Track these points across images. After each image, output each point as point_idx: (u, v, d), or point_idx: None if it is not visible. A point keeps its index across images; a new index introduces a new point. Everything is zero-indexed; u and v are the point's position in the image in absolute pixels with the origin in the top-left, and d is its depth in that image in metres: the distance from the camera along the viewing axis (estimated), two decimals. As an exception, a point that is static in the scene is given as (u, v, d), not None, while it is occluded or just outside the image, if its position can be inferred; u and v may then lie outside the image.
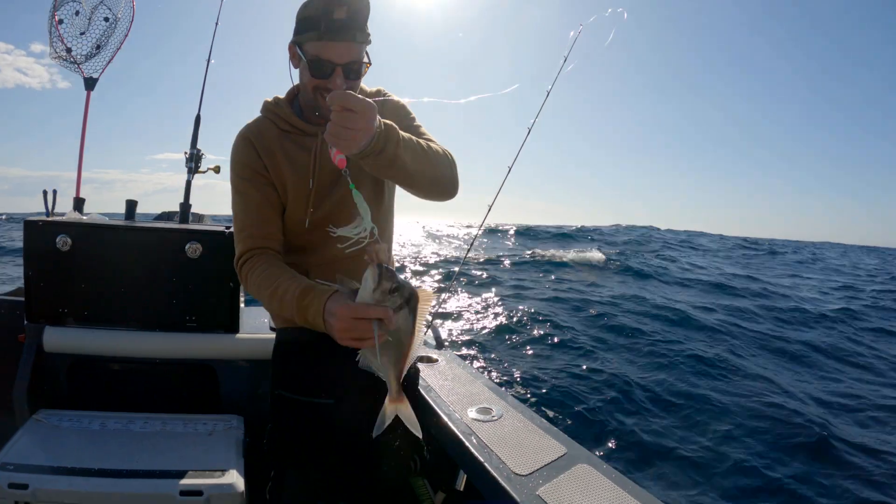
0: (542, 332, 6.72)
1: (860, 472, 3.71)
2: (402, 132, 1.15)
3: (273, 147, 1.35)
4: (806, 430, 4.24)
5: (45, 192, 2.02)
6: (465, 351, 5.99)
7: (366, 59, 1.27)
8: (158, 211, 2.73)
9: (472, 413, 1.56)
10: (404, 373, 0.98)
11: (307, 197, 1.35)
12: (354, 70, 1.26)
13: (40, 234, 1.80)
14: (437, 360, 2.01)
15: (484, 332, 6.83)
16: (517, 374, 5.14)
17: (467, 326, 7.05)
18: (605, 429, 4.20)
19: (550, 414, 4.32)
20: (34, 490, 1.32)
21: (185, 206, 2.37)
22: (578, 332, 6.81)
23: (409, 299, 0.95)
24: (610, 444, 4.00)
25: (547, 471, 1.26)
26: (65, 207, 2.14)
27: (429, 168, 1.23)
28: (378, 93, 1.42)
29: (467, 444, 1.39)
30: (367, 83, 1.41)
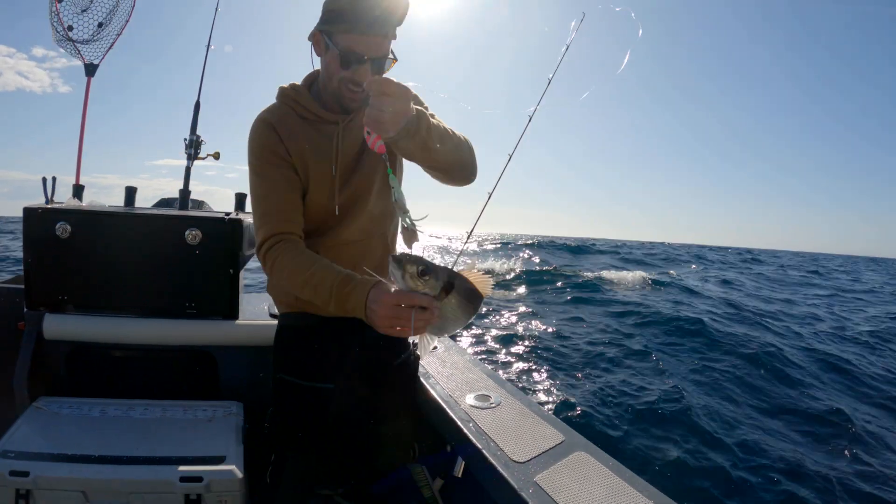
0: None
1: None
2: (430, 117, 1.18)
3: (295, 133, 1.35)
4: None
5: (44, 179, 2.00)
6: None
7: (392, 55, 1.29)
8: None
9: (470, 400, 1.57)
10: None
11: (329, 183, 1.37)
12: (382, 64, 1.28)
13: (40, 222, 1.80)
14: (435, 347, 2.01)
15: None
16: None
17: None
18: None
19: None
20: (35, 477, 1.33)
21: (185, 192, 2.36)
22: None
23: (453, 283, 0.95)
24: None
25: (544, 458, 1.26)
26: (64, 197, 2.13)
27: (454, 152, 1.27)
28: None
29: (465, 430, 1.39)
30: None
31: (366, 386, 1.50)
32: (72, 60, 2.52)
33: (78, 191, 2.27)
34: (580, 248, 29.48)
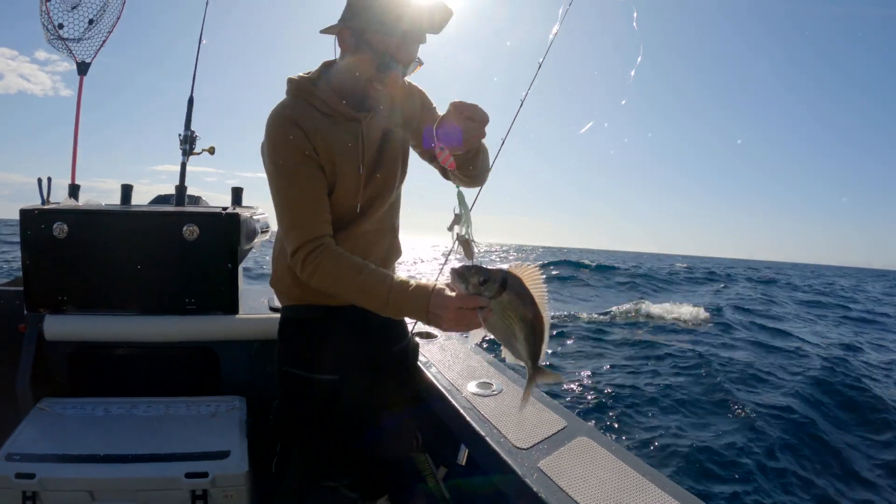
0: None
1: None
2: None
3: (319, 130, 1.31)
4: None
5: (39, 181, 1.99)
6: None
7: (417, 59, 1.30)
8: None
9: (472, 388, 1.56)
10: (541, 354, 1.07)
11: (356, 180, 1.36)
12: (412, 68, 1.31)
13: (36, 223, 1.79)
14: (436, 336, 2.01)
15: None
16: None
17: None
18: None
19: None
20: (41, 479, 1.33)
21: (181, 188, 2.34)
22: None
23: (504, 283, 1.04)
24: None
25: (547, 444, 1.26)
26: (61, 198, 2.12)
27: (485, 158, 1.34)
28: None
29: (468, 418, 1.39)
30: None
31: (370, 376, 1.50)
32: (69, 61, 2.50)
33: (74, 190, 2.26)
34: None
